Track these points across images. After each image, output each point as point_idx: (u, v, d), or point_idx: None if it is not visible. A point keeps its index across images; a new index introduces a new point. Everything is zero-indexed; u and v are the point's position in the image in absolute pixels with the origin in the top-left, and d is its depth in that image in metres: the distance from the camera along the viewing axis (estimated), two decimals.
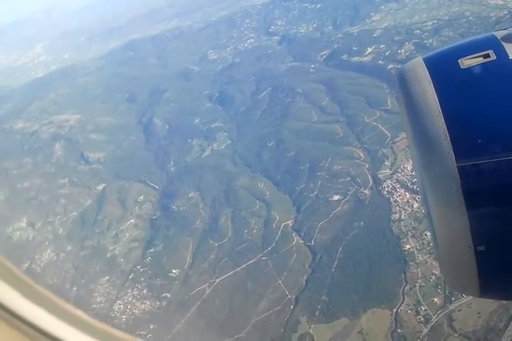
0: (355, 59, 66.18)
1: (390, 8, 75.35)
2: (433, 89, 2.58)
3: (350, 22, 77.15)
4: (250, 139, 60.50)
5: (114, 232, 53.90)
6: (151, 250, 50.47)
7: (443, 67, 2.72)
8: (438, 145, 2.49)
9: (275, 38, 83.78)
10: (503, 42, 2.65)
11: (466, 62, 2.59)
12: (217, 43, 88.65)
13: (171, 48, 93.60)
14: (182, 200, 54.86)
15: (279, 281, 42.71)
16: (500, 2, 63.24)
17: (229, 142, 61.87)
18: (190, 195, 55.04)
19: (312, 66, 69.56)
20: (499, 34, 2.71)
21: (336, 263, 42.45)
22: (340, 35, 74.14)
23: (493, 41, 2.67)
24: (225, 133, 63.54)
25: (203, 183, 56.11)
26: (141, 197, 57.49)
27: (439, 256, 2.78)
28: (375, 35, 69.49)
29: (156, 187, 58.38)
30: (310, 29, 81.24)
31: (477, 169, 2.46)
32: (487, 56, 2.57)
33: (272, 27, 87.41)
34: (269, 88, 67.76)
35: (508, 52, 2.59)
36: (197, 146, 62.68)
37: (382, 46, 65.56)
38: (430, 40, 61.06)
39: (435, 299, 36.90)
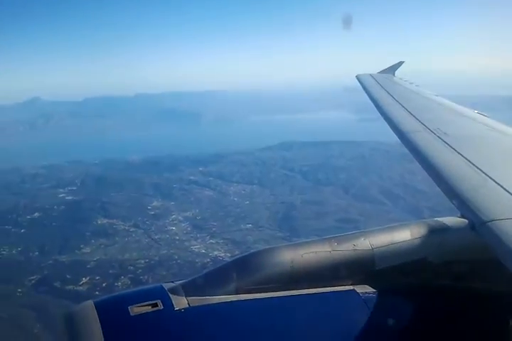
0: (70, 287, 65.25)
1: (101, 243, 79.40)
2: (101, 334, 2.68)
3: (59, 251, 77.58)
4: None
5: None
6: None
7: (113, 313, 2.85)
8: None
9: None
10: (170, 294, 2.95)
11: (136, 309, 2.81)
12: None
13: None
14: None
15: None
16: (203, 251, 74.60)
17: None
18: None
19: (19, 290, 64.96)
20: (167, 285, 3.07)
21: None
22: (50, 262, 73.67)
23: (162, 292, 2.97)
24: None
25: None
26: None
27: None
28: (88, 266, 70.83)
29: None
30: (14, 252, 77.87)
31: None
32: (155, 305, 2.84)
33: None
34: None
35: (174, 303, 2.89)
36: None
37: (97, 277, 66.94)
38: (146, 276, 65.79)
39: None
